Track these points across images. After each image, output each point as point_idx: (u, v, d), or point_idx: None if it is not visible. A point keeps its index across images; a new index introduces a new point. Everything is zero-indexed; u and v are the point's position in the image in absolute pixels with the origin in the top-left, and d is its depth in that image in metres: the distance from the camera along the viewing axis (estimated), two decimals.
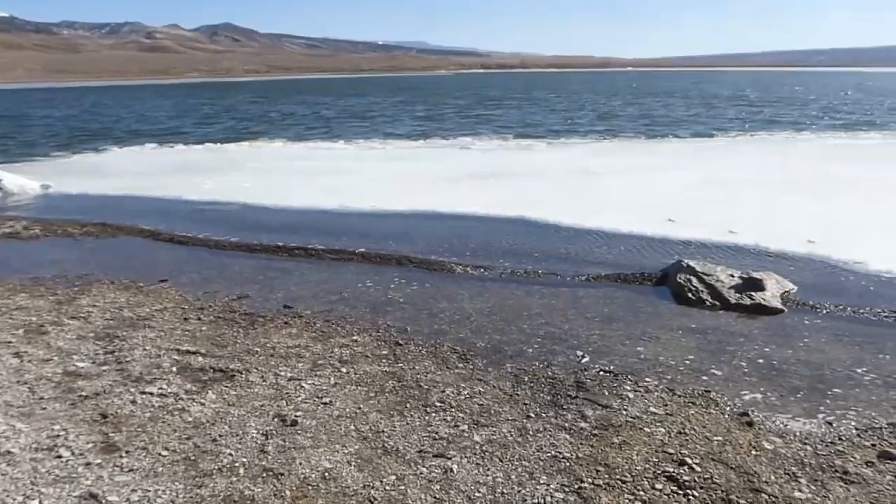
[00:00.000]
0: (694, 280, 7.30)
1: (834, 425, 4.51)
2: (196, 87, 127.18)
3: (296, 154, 22.16)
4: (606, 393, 4.93)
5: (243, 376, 5.18)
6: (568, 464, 3.97)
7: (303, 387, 5.00)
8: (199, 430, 4.35)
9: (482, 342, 5.97)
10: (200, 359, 5.54)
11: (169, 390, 4.91)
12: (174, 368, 5.32)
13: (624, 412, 4.62)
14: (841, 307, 6.87)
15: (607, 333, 6.18)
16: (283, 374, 5.24)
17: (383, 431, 4.36)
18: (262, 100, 67.13)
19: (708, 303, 6.97)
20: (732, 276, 7.38)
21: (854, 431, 4.43)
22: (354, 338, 6.06)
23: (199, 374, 5.22)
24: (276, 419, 4.49)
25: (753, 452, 4.13)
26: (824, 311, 6.80)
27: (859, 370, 5.42)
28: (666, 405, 4.73)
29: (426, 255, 8.89)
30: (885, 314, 6.71)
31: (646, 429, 4.38)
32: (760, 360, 5.60)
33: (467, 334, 6.16)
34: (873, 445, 4.24)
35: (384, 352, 5.74)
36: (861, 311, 6.79)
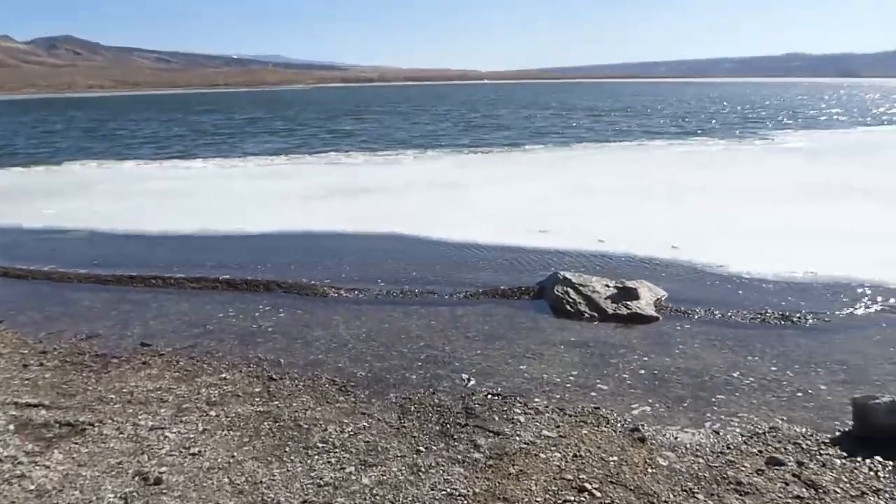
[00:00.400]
0: (571, 292, 7.29)
1: (721, 434, 4.53)
2: (32, 104, 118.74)
3: (149, 174, 20.88)
4: (497, 418, 4.73)
5: (96, 429, 4.59)
6: (466, 502, 3.72)
7: (167, 437, 4.48)
8: (43, 501, 3.77)
9: (362, 371, 5.64)
10: (44, 412, 4.88)
11: (5, 454, 4.26)
12: (11, 426, 4.65)
13: (517, 438, 4.43)
14: (710, 312, 7.06)
15: (490, 353, 6.01)
16: (142, 423, 4.69)
17: (261, 482, 3.95)
18: (109, 117, 63.37)
19: (586, 314, 6.97)
20: (608, 286, 7.43)
21: (740, 439, 4.45)
22: (223, 375, 5.58)
23: (43, 431, 4.59)
24: (136, 478, 3.97)
25: (650, 470, 4.04)
26: (696, 317, 6.95)
27: (735, 374, 5.53)
28: (558, 426, 4.59)
29: (297, 278, 8.44)
30: (751, 316, 6.95)
31: (541, 454, 4.21)
32: (643, 371, 5.60)
33: (346, 363, 5.82)
34: (760, 452, 4.27)
35: (257, 389, 5.29)
36: (729, 314, 7.00)
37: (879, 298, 7.49)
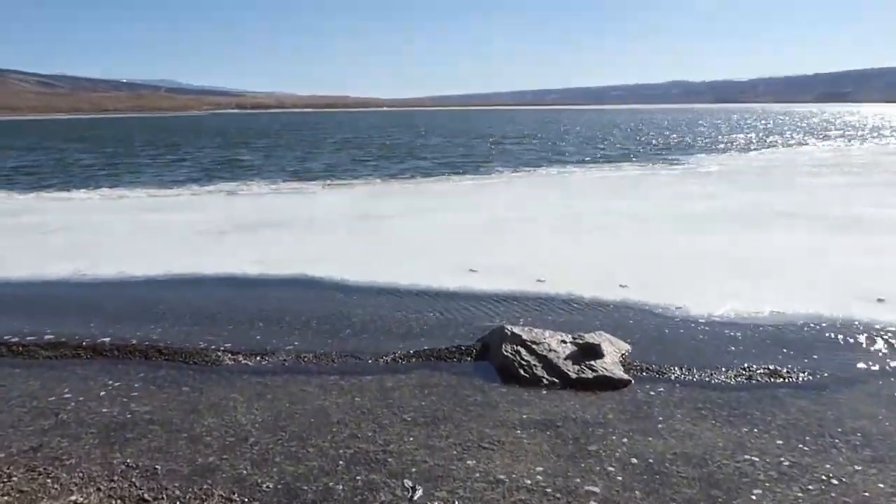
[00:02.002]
0: (523, 352, 6.05)
1: None
2: None
3: (22, 207, 18.55)
4: None
5: None
6: None
7: None
8: None
9: (270, 481, 4.18)
10: None
11: None
12: None
13: None
14: (686, 370, 5.97)
15: (436, 443, 4.66)
16: None
17: None
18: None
19: (545, 380, 5.72)
20: (564, 341, 6.23)
21: None
22: (73, 498, 4.01)
23: None
24: None
25: None
26: (672, 377, 5.83)
27: (745, 459, 4.41)
28: None
29: (184, 340, 6.85)
30: (735, 374, 5.91)
31: None
32: (634, 461, 4.38)
33: (247, 469, 4.34)
34: None
35: None
36: (709, 373, 5.92)
37: (864, 343, 6.62)
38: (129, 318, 7.70)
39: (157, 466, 4.37)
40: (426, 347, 6.54)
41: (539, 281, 8.99)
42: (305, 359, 6.31)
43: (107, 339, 6.84)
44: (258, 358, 6.35)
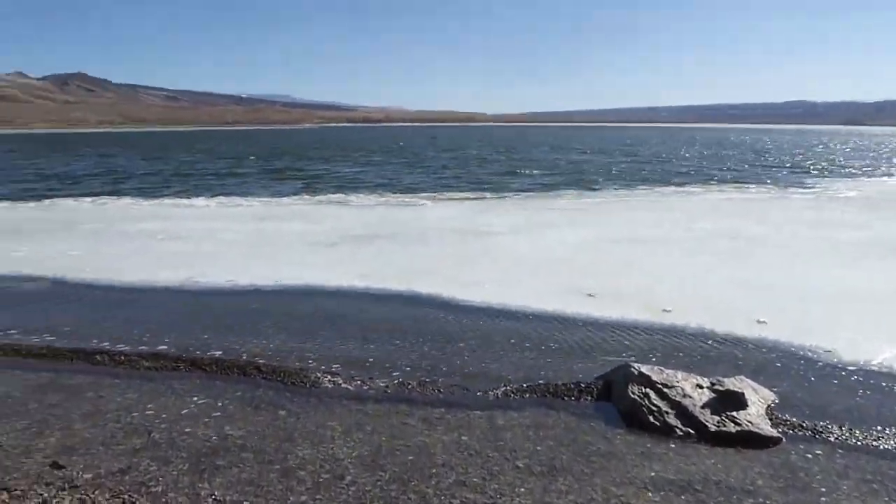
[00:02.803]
0: (652, 395, 5.35)
1: None
2: (45, 139, 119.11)
3: (144, 213, 19.18)
4: None
5: None
6: None
7: None
8: None
9: None
10: None
11: None
12: None
13: None
14: (847, 430, 5.09)
15: (555, 501, 4.06)
16: None
17: None
18: (116, 152, 62.34)
19: (678, 431, 5.01)
20: (700, 386, 5.48)
21: None
22: None
23: None
24: None
25: None
26: (831, 438, 4.97)
27: None
28: None
29: (283, 358, 6.53)
30: None
31: None
32: None
33: None
34: None
35: None
36: (877, 437, 5.01)
37: None
38: (230, 331, 7.49)
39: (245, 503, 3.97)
40: (541, 382, 5.92)
41: (664, 311, 8.23)
42: (409, 386, 5.83)
43: (207, 353, 6.61)
44: (359, 382, 5.91)
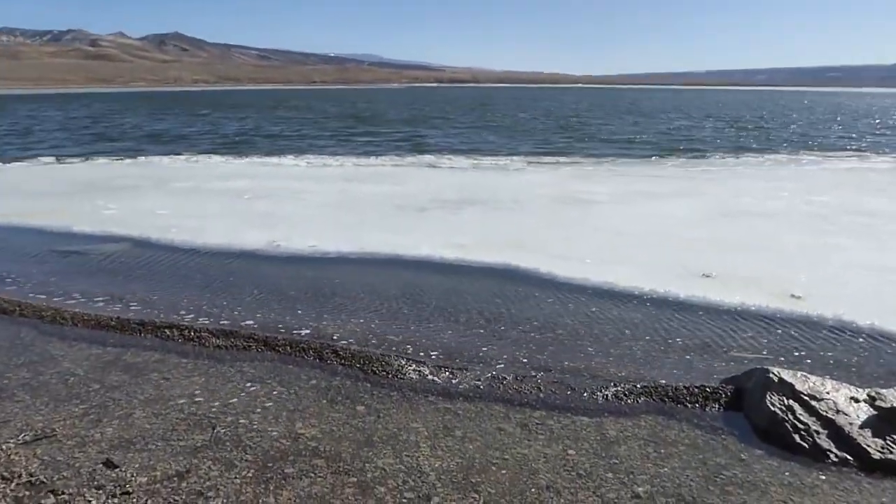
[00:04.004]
0: (797, 409, 4.45)
1: None
2: (142, 97, 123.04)
3: (235, 171, 19.03)
4: None
5: None
6: None
7: None
8: None
9: None
10: None
11: None
12: None
13: None
14: None
15: None
16: None
17: None
18: (210, 110, 63.47)
19: (833, 456, 4.11)
20: (855, 399, 4.54)
21: None
22: None
23: None
24: None
25: None
26: None
27: None
28: None
29: (363, 341, 5.92)
30: None
31: None
32: None
33: None
34: None
35: None
36: None
37: None
38: (309, 305, 6.95)
39: None
40: (657, 383, 5.09)
41: (794, 297, 7.21)
42: (504, 381, 5.10)
43: (281, 332, 6.07)
44: (447, 374, 5.22)
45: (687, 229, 10.60)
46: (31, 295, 7.22)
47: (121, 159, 22.44)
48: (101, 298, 7.13)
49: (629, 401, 4.84)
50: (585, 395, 4.91)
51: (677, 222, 11.14)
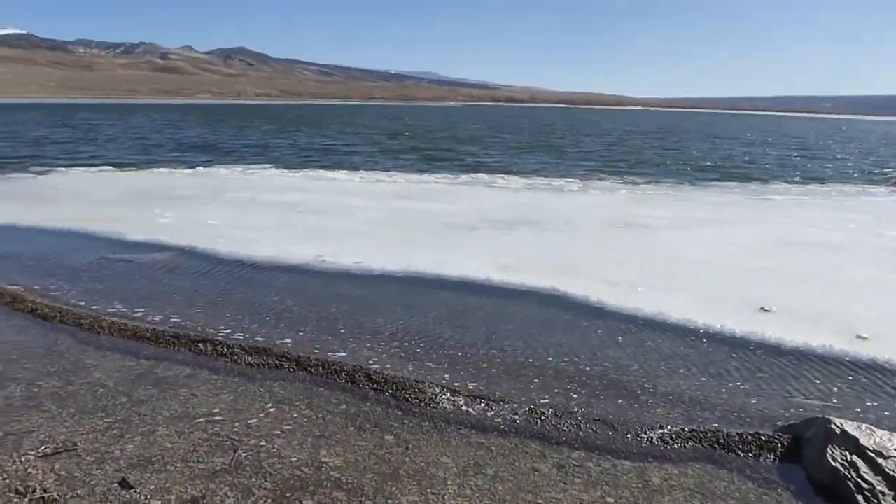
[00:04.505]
0: (861, 466, 4.06)
1: None
2: (205, 109, 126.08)
3: (289, 184, 19.18)
4: None
5: None
6: None
7: None
8: None
9: None
10: None
11: None
12: None
13: None
14: None
15: None
16: None
17: None
18: (274, 124, 64.65)
19: None
20: None
21: None
22: None
23: None
24: None
25: None
26: None
27: None
28: None
29: (398, 365, 5.71)
30: None
31: None
32: None
33: None
34: None
35: None
36: None
37: None
38: (347, 324, 6.79)
39: None
40: (707, 427, 4.74)
41: (860, 338, 6.75)
42: (542, 416, 4.82)
43: (315, 352, 5.90)
44: (482, 405, 4.97)
45: (747, 259, 10.14)
46: (73, 301, 7.25)
47: (181, 169, 22.86)
48: (140, 308, 7.11)
49: (676, 445, 4.51)
50: (629, 436, 4.61)
51: (737, 251, 10.68)
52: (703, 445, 4.51)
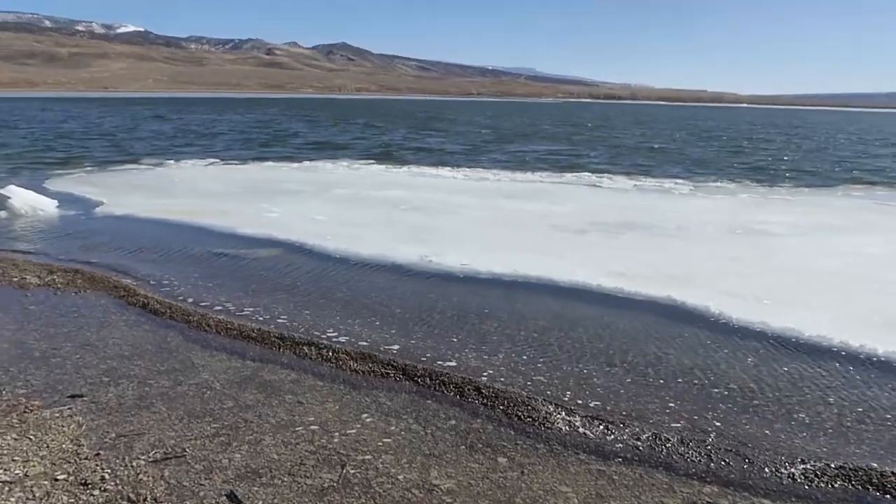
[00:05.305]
0: None
1: None
2: (307, 103, 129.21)
3: (395, 180, 19.21)
4: None
5: None
6: None
7: None
8: None
9: None
10: None
11: None
12: None
13: None
14: None
15: None
16: None
17: None
18: (367, 118, 65.55)
19: None
20: None
21: None
22: None
23: None
24: None
25: None
26: None
27: None
28: None
29: (509, 379, 5.41)
30: None
31: None
32: None
33: None
34: None
35: None
36: None
37: None
38: (454, 330, 6.56)
39: None
40: (854, 464, 4.23)
41: None
42: (668, 443, 4.44)
43: (422, 360, 5.69)
44: (602, 428, 4.63)
45: (881, 270, 9.32)
46: (183, 296, 7.33)
47: (287, 163, 23.33)
48: (248, 305, 7.12)
49: (821, 484, 4.05)
50: (767, 471, 4.17)
51: (868, 260, 9.85)
52: (852, 485, 4.03)
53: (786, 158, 31.24)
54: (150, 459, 3.99)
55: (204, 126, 45.20)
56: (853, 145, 43.08)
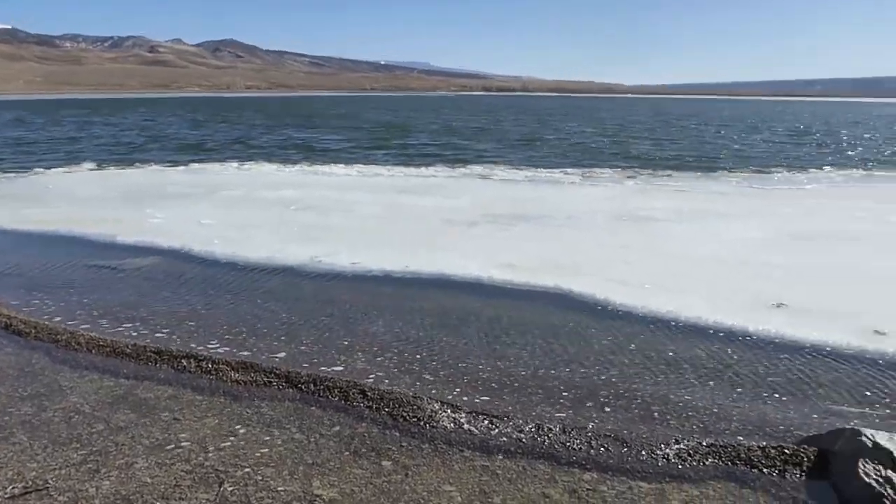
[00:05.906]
0: None
1: None
2: (193, 102, 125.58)
3: (287, 180, 18.84)
4: None
5: None
6: None
7: None
8: None
9: None
10: None
11: None
12: None
13: None
14: None
15: None
16: None
17: None
18: (266, 116, 64.23)
19: None
20: None
21: None
22: None
23: None
24: None
25: None
26: None
27: None
28: None
29: (395, 378, 5.38)
30: None
31: None
32: None
33: None
34: None
35: None
36: None
37: None
38: (342, 332, 6.47)
39: None
40: (726, 442, 4.42)
41: (878, 333, 6.44)
42: (551, 433, 4.50)
43: (306, 367, 5.57)
44: (486, 423, 4.65)
45: (757, 252, 9.81)
46: (52, 314, 6.92)
47: (171, 166, 22.49)
48: (124, 320, 6.78)
49: (694, 462, 4.20)
50: (644, 454, 4.29)
51: (746, 244, 10.35)
52: (723, 462, 4.20)
53: (668, 146, 32.50)
54: (6, 496, 3.73)
55: (78, 130, 42.96)
56: (732, 133, 45.26)
